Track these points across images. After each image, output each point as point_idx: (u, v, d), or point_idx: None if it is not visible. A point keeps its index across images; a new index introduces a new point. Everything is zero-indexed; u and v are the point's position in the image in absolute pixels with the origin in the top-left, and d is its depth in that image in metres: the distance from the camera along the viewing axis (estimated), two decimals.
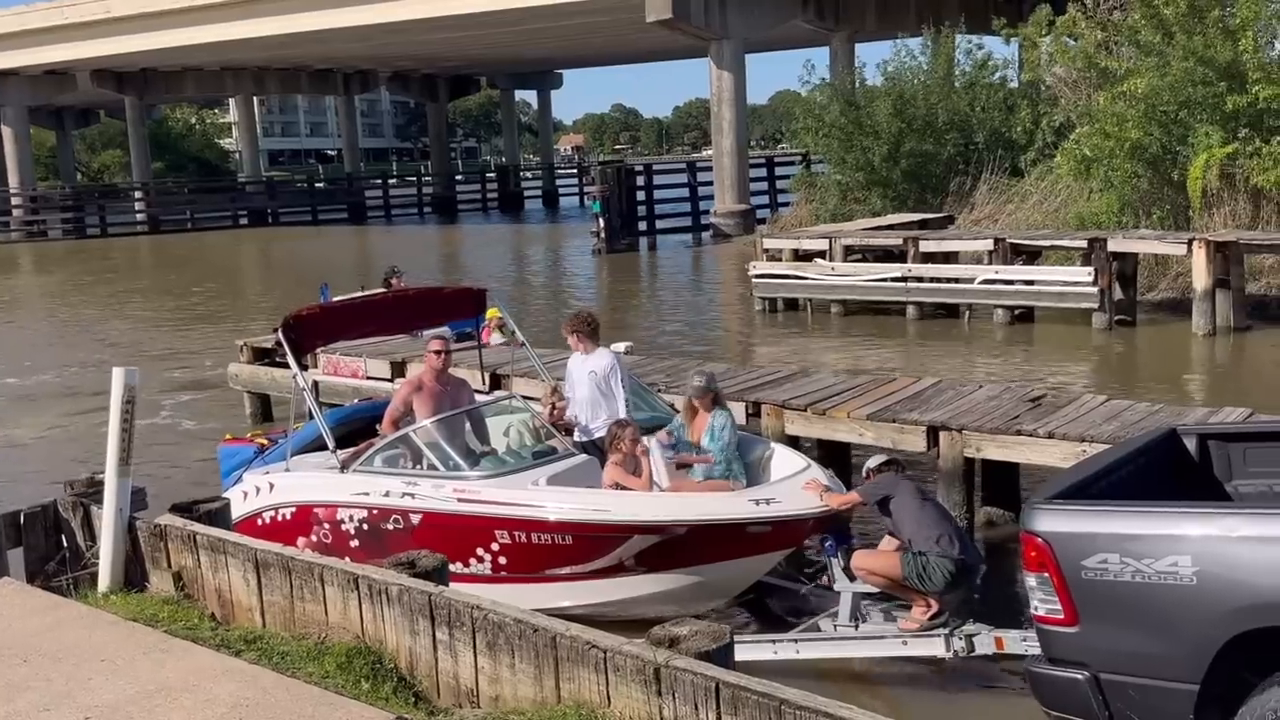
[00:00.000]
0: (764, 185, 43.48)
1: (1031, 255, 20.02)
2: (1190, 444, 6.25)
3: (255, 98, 70.95)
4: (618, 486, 8.12)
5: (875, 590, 7.44)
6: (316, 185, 72.73)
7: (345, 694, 4.71)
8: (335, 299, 13.20)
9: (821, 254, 21.69)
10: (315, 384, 11.17)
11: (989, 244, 19.94)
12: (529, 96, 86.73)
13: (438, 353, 9.12)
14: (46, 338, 24.43)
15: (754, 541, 7.66)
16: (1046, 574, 5.04)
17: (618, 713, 4.20)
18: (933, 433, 9.23)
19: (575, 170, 74.08)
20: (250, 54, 53.64)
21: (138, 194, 59.17)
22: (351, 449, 8.82)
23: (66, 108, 69.62)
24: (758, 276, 22.12)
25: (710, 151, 40.98)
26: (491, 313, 12.60)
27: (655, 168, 46.72)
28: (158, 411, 15.39)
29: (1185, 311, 17.99)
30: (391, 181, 69.46)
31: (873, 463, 7.71)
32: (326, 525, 8.52)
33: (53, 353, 21.85)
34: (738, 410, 9.72)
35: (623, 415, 8.72)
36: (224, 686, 4.70)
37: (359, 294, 14.11)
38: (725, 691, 3.87)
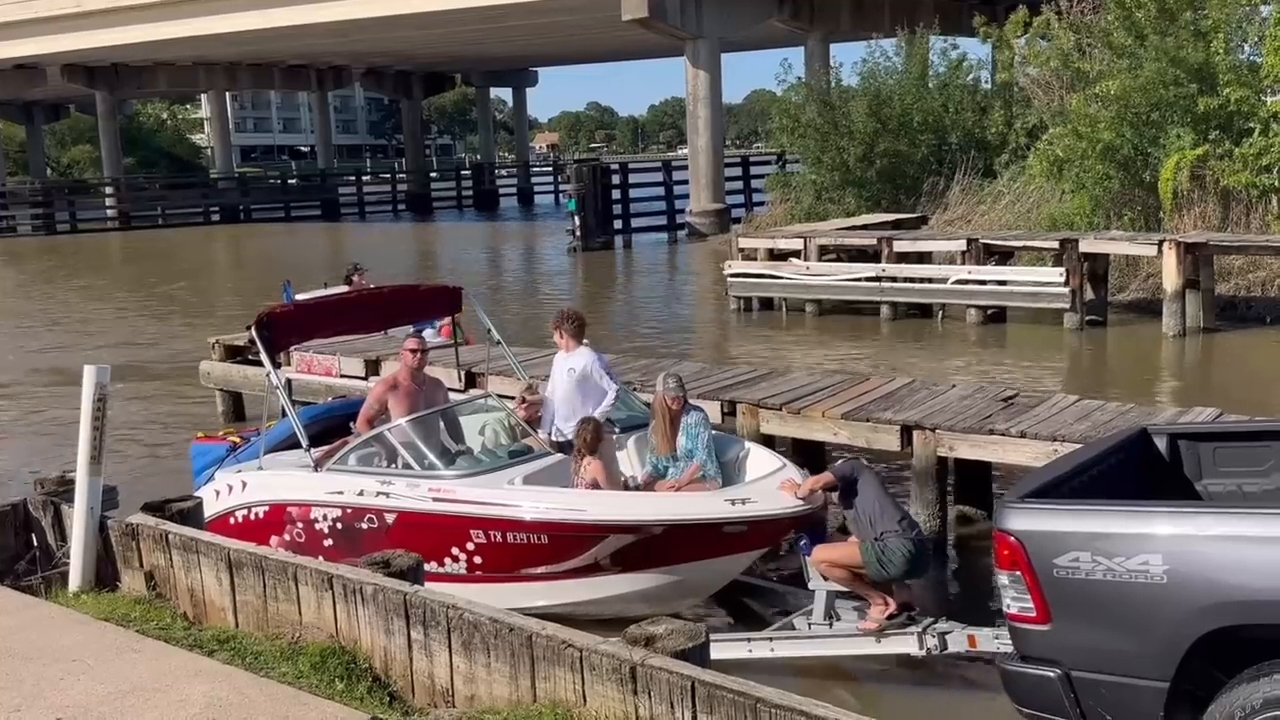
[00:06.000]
0: (739, 184, 43.52)
1: (1004, 256, 20.16)
2: (1161, 443, 6.29)
3: (228, 93, 70.39)
4: (594, 485, 8.12)
5: (848, 589, 7.48)
6: (289, 182, 72.05)
7: (319, 694, 4.70)
8: (298, 297, 13.11)
9: (796, 253, 21.75)
10: (289, 382, 11.08)
11: (962, 244, 20.07)
12: (504, 94, 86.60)
13: (413, 351, 9.09)
14: (12, 332, 24.15)
15: (730, 541, 7.67)
16: (1018, 572, 5.07)
17: (593, 712, 4.20)
18: (906, 432, 9.28)
19: (550, 168, 73.93)
20: (223, 49, 53.22)
21: (109, 190, 58.58)
22: (325, 448, 8.78)
23: (36, 102, 68.98)
24: (733, 276, 22.15)
25: (686, 150, 41.03)
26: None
27: (631, 166, 46.59)
28: (126, 407, 15.23)
29: (1155, 312, 18.14)
30: (365, 178, 68.92)
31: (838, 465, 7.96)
32: (300, 524, 8.48)
33: (19, 345, 21.62)
34: (713, 409, 9.74)
35: (605, 407, 8.71)
36: (197, 687, 4.67)
37: (321, 291, 14.05)
38: (701, 690, 3.88)
